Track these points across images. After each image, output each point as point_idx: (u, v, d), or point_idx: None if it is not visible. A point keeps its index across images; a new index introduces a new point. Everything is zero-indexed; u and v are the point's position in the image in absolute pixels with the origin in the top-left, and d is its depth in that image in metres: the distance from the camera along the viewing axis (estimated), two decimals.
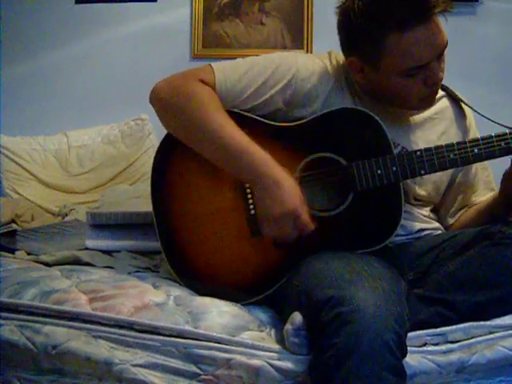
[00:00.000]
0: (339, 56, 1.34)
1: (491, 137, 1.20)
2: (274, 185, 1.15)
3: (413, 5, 1.14)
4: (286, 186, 1.15)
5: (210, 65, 1.29)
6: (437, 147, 1.21)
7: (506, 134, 1.20)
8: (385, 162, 1.21)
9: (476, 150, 1.20)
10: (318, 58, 1.34)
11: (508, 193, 1.29)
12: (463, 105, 1.42)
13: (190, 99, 1.23)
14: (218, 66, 1.28)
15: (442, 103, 1.40)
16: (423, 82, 1.22)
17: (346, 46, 1.27)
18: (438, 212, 1.43)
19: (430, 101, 1.29)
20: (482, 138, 1.20)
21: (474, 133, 1.41)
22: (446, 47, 1.21)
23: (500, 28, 2.67)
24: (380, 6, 1.16)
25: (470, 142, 1.21)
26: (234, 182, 1.25)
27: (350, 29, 1.24)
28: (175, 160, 1.30)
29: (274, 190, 1.14)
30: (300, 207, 1.15)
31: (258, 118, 1.28)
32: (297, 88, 1.28)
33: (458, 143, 1.21)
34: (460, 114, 1.41)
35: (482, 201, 1.41)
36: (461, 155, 1.20)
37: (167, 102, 1.25)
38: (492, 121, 1.33)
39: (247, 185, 1.25)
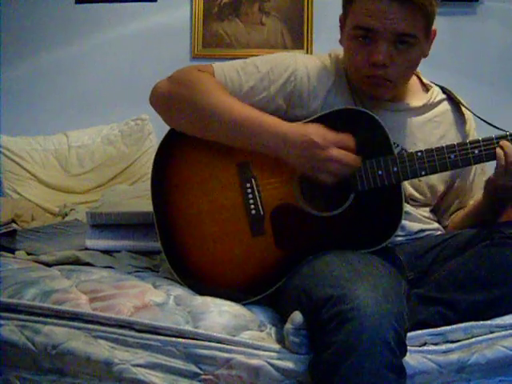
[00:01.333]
0: (339, 56, 1.34)
1: (492, 138, 1.20)
2: (289, 142, 1.16)
3: None
4: (302, 137, 1.16)
5: (209, 64, 1.31)
6: (438, 148, 1.21)
7: (507, 135, 1.20)
8: (386, 162, 1.21)
9: (476, 152, 1.20)
10: (317, 58, 1.35)
11: (490, 199, 1.29)
12: (463, 109, 1.41)
13: (193, 85, 1.24)
14: (217, 64, 1.30)
15: (443, 107, 1.40)
16: (365, 54, 1.22)
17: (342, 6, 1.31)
18: (434, 212, 1.43)
19: (373, 84, 1.26)
20: (483, 140, 1.20)
21: (473, 137, 1.41)
22: (401, 36, 1.20)
23: (500, 28, 2.67)
24: None
25: (470, 143, 1.20)
26: (235, 182, 1.25)
27: None
28: (176, 159, 1.30)
29: (298, 144, 1.16)
30: (327, 143, 1.15)
31: None
32: (296, 86, 1.28)
33: (458, 144, 1.21)
34: (460, 119, 1.41)
35: (469, 203, 1.41)
36: (461, 156, 1.20)
37: (169, 94, 1.26)
38: (491, 125, 1.33)
39: (248, 184, 1.25)
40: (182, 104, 1.25)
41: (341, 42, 1.31)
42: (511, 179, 1.19)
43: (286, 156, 1.19)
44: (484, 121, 1.35)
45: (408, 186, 1.32)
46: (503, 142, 1.19)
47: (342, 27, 1.30)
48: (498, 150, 1.18)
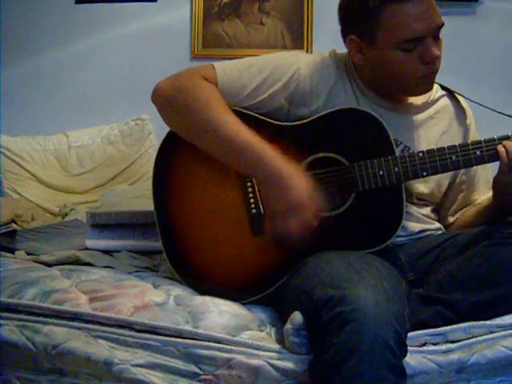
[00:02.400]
0: (340, 55, 1.34)
1: (494, 139, 1.20)
2: (279, 178, 1.14)
3: None
4: (292, 179, 1.14)
5: (211, 64, 1.30)
6: (439, 149, 1.21)
7: (508, 136, 1.20)
8: (387, 162, 1.21)
9: (478, 153, 1.20)
10: (319, 57, 1.34)
11: (500, 198, 1.28)
12: (463, 103, 1.42)
13: (193, 95, 1.23)
14: (218, 65, 1.29)
15: (443, 102, 1.40)
16: (419, 59, 1.22)
17: (345, 23, 1.28)
18: (438, 211, 1.43)
19: (428, 81, 1.28)
20: (485, 141, 1.20)
21: (474, 131, 1.41)
22: (441, 26, 1.22)
23: (500, 28, 2.67)
24: None
25: (472, 144, 1.20)
26: (235, 181, 1.26)
27: (347, 6, 1.26)
28: (177, 159, 1.30)
29: (280, 184, 1.14)
30: (306, 200, 1.14)
31: (260, 116, 1.28)
32: (299, 85, 1.28)
33: (460, 145, 1.20)
34: (460, 113, 1.41)
35: (480, 202, 1.41)
36: (463, 157, 1.20)
37: (170, 99, 1.26)
38: (495, 110, 1.33)
39: (249, 184, 1.25)
40: (182, 112, 1.24)
41: (354, 58, 1.28)
42: None
43: (266, 189, 1.18)
44: (487, 107, 1.35)
45: (416, 183, 1.31)
46: (506, 141, 1.19)
47: (362, 49, 1.26)
48: (500, 148, 1.18)
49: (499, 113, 1.34)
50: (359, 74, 1.31)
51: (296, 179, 1.15)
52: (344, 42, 1.30)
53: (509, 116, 1.29)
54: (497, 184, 1.25)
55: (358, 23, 1.25)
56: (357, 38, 1.26)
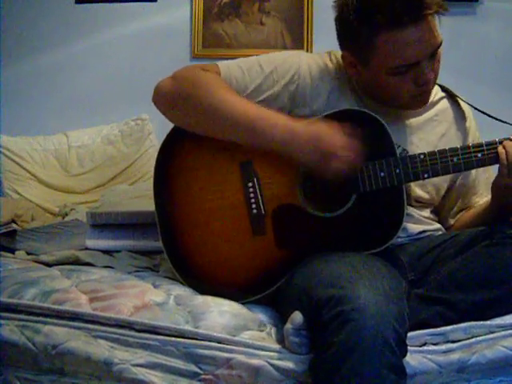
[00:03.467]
0: (339, 56, 1.34)
1: (494, 142, 1.20)
2: (301, 134, 1.16)
3: (405, 5, 1.14)
4: (314, 131, 1.16)
5: (215, 63, 1.30)
6: (440, 151, 1.20)
7: (510, 139, 1.20)
8: (388, 164, 1.21)
9: (480, 155, 1.20)
10: (319, 58, 1.34)
11: (499, 201, 1.28)
12: (463, 106, 1.41)
13: (197, 83, 1.24)
14: (222, 63, 1.30)
15: (442, 105, 1.40)
16: (413, 81, 1.22)
17: (340, 40, 1.28)
18: (439, 213, 1.42)
19: (422, 100, 1.28)
20: (486, 144, 1.20)
21: (474, 134, 1.41)
22: (438, 47, 1.21)
23: (500, 28, 2.67)
24: (372, 4, 1.16)
25: (473, 146, 1.20)
26: (236, 181, 1.26)
27: (342, 24, 1.24)
28: (178, 159, 1.30)
29: (303, 139, 1.16)
30: (337, 141, 1.15)
31: None
32: (299, 85, 1.28)
33: (461, 148, 1.20)
34: (460, 116, 1.41)
35: (479, 204, 1.41)
36: (464, 160, 1.20)
37: (173, 92, 1.26)
38: (492, 117, 1.33)
39: (250, 184, 1.25)
40: (188, 102, 1.24)
41: (349, 72, 1.29)
42: None
43: (292, 151, 1.18)
44: (485, 113, 1.35)
45: (414, 187, 1.32)
46: (506, 142, 1.18)
47: (356, 65, 1.26)
48: (500, 150, 1.18)
49: (495, 119, 1.33)
50: (355, 82, 1.32)
51: (317, 129, 1.16)
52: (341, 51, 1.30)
53: (503, 122, 1.28)
54: (496, 187, 1.25)
55: (352, 44, 1.24)
56: (351, 56, 1.26)
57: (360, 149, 1.17)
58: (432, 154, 1.21)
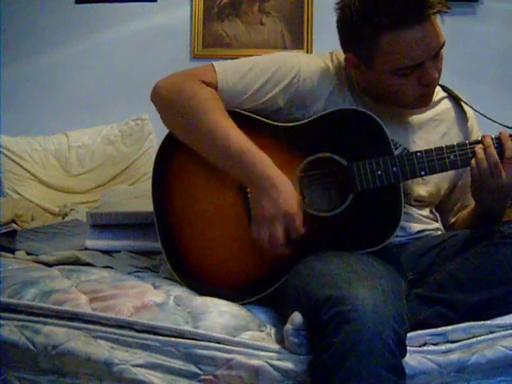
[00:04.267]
0: (340, 56, 1.34)
1: (491, 139, 1.20)
2: (271, 186, 1.15)
3: (408, 5, 1.14)
4: (284, 189, 1.15)
5: (211, 64, 1.29)
6: (437, 148, 1.21)
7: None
8: (385, 162, 1.21)
9: None
10: (319, 58, 1.34)
11: (482, 204, 1.28)
12: (464, 106, 1.41)
13: (191, 99, 1.23)
14: (219, 66, 1.28)
15: (444, 105, 1.40)
16: (417, 82, 1.22)
17: (343, 42, 1.28)
18: (440, 211, 1.43)
19: (426, 99, 1.28)
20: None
21: (476, 134, 1.41)
22: (442, 47, 1.21)
23: (500, 28, 2.68)
24: (375, 5, 1.16)
25: (470, 143, 1.20)
26: (235, 182, 1.25)
27: (345, 26, 1.24)
28: (176, 159, 1.30)
29: (271, 192, 1.15)
30: (295, 210, 1.15)
31: (259, 117, 1.28)
32: (299, 87, 1.28)
33: (458, 144, 1.21)
34: (461, 116, 1.41)
35: (470, 205, 1.41)
36: (461, 157, 1.20)
37: (168, 100, 1.25)
38: (492, 120, 1.33)
39: None
40: (179, 116, 1.24)
41: (352, 73, 1.29)
42: (490, 182, 1.18)
43: (254, 196, 1.18)
44: (485, 116, 1.35)
45: (414, 186, 1.32)
46: (476, 148, 1.19)
47: (360, 66, 1.26)
48: (472, 161, 1.19)
49: (493, 121, 1.33)
50: (357, 83, 1.31)
51: (288, 189, 1.16)
52: (343, 52, 1.30)
53: (502, 125, 1.28)
54: (474, 190, 1.25)
55: (356, 46, 1.24)
56: (354, 58, 1.26)
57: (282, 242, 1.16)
58: (429, 151, 1.21)
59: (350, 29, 1.23)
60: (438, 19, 1.18)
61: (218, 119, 1.20)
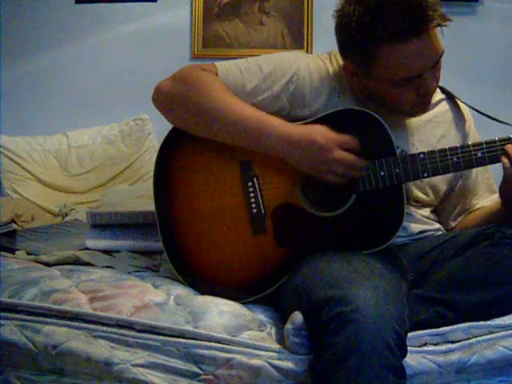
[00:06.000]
0: (339, 56, 1.34)
1: (495, 141, 1.20)
2: (304, 139, 1.17)
3: (408, 18, 1.13)
4: (314, 131, 1.17)
5: (212, 63, 1.30)
6: (440, 150, 1.20)
7: (510, 138, 1.20)
8: (388, 163, 1.20)
9: (479, 154, 1.19)
10: (318, 59, 1.34)
11: (509, 205, 1.27)
12: (462, 108, 1.41)
13: (197, 85, 1.24)
14: (220, 63, 1.30)
15: (442, 107, 1.40)
16: (415, 91, 1.22)
17: (341, 49, 1.27)
18: (439, 215, 1.42)
19: (423, 108, 1.28)
20: (486, 142, 1.20)
21: (474, 136, 1.41)
22: (441, 57, 1.21)
23: (500, 28, 2.67)
24: (375, 18, 1.15)
25: (473, 145, 1.20)
26: (236, 181, 1.26)
27: (344, 35, 1.24)
28: (177, 159, 1.30)
29: (307, 143, 1.17)
30: (334, 147, 1.16)
31: None
32: (298, 86, 1.28)
33: (461, 147, 1.20)
34: (459, 118, 1.41)
35: (484, 206, 1.40)
36: (464, 159, 1.20)
37: (173, 94, 1.26)
38: (493, 118, 1.33)
39: (250, 183, 1.25)
40: (187, 104, 1.24)
41: (350, 80, 1.29)
42: None
43: (289, 157, 1.20)
44: (484, 114, 1.35)
45: (412, 187, 1.32)
46: (507, 147, 1.18)
47: (357, 74, 1.26)
48: (504, 159, 1.18)
49: (494, 119, 1.33)
50: (355, 88, 1.31)
51: (311, 132, 1.18)
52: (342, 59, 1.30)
53: (503, 123, 1.28)
54: (504, 191, 1.25)
55: (354, 55, 1.24)
56: (352, 66, 1.25)
57: (358, 148, 1.17)
58: (432, 153, 1.21)
59: (348, 38, 1.22)
60: (437, 29, 1.18)
61: (225, 97, 1.22)
